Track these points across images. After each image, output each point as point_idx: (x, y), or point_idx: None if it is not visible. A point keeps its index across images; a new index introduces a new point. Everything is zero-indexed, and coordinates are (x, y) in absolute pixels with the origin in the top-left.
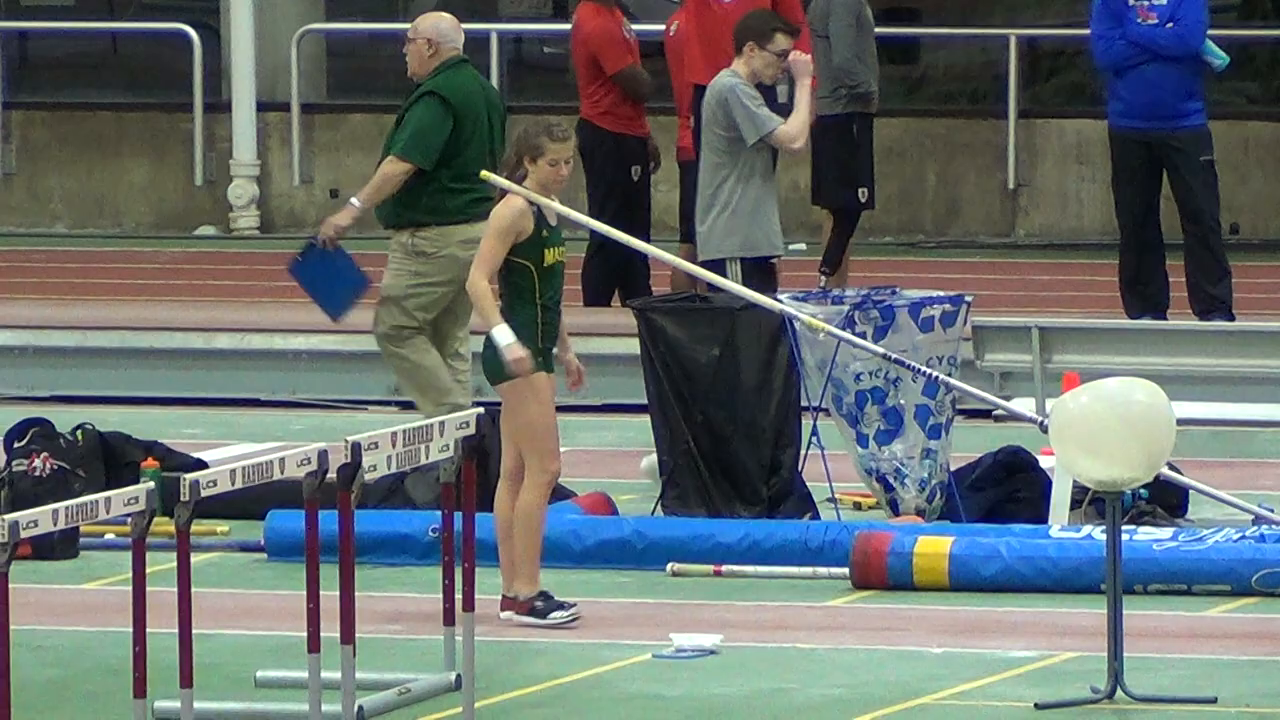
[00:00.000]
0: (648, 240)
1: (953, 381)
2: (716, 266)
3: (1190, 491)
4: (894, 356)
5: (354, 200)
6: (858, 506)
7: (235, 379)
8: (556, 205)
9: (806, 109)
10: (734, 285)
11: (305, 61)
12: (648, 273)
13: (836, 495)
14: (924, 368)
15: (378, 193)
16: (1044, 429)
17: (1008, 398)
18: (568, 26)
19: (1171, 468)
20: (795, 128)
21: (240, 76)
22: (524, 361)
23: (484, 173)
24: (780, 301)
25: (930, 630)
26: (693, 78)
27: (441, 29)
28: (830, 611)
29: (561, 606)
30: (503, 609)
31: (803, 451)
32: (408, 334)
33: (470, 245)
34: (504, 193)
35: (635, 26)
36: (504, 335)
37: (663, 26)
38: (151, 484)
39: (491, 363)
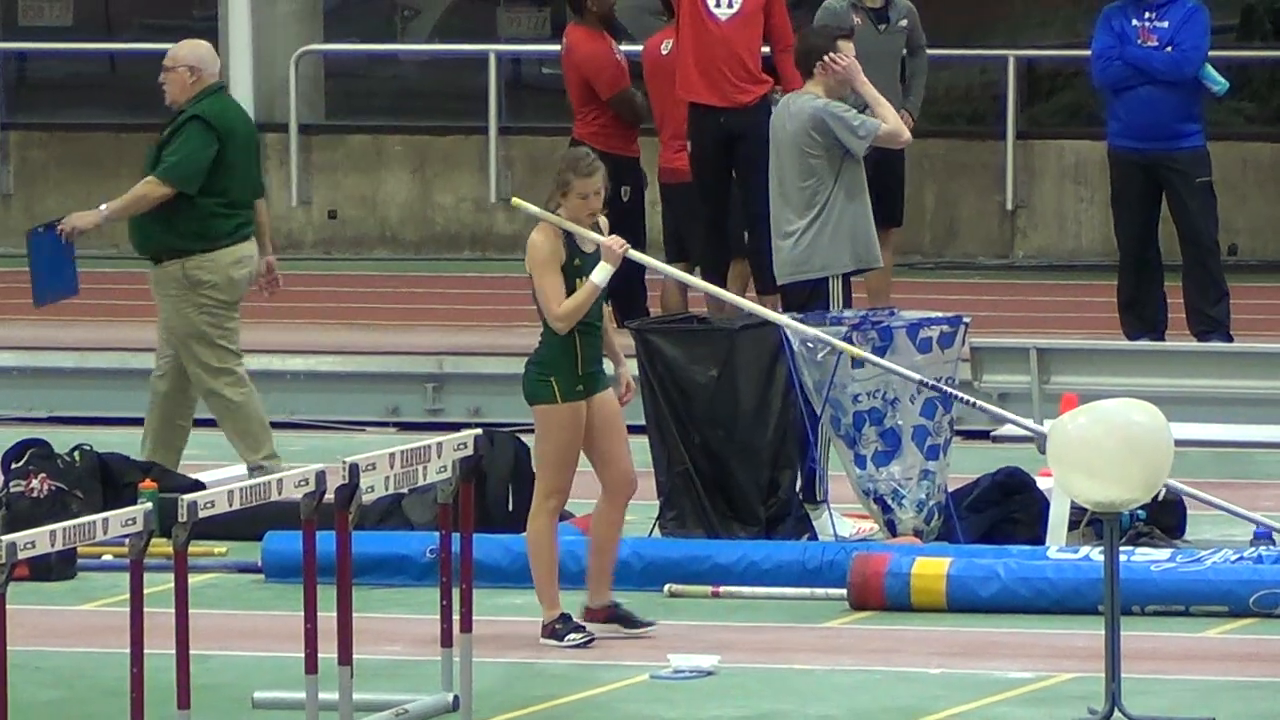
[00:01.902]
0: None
1: (989, 408)
2: (819, 285)
3: (1188, 513)
4: (930, 382)
5: (103, 207)
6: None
7: None
8: (585, 231)
9: (884, 101)
10: (783, 318)
11: (303, 82)
12: (645, 293)
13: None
14: (962, 394)
15: (126, 210)
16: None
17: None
18: None
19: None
20: (892, 122)
21: (238, 97)
22: (613, 245)
23: (515, 200)
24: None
25: (928, 651)
26: (689, 97)
27: (202, 56)
28: (828, 633)
29: (579, 629)
30: (583, 618)
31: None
32: (231, 366)
33: (241, 264)
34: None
35: (628, 48)
36: (601, 271)
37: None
38: (149, 505)
39: (528, 385)
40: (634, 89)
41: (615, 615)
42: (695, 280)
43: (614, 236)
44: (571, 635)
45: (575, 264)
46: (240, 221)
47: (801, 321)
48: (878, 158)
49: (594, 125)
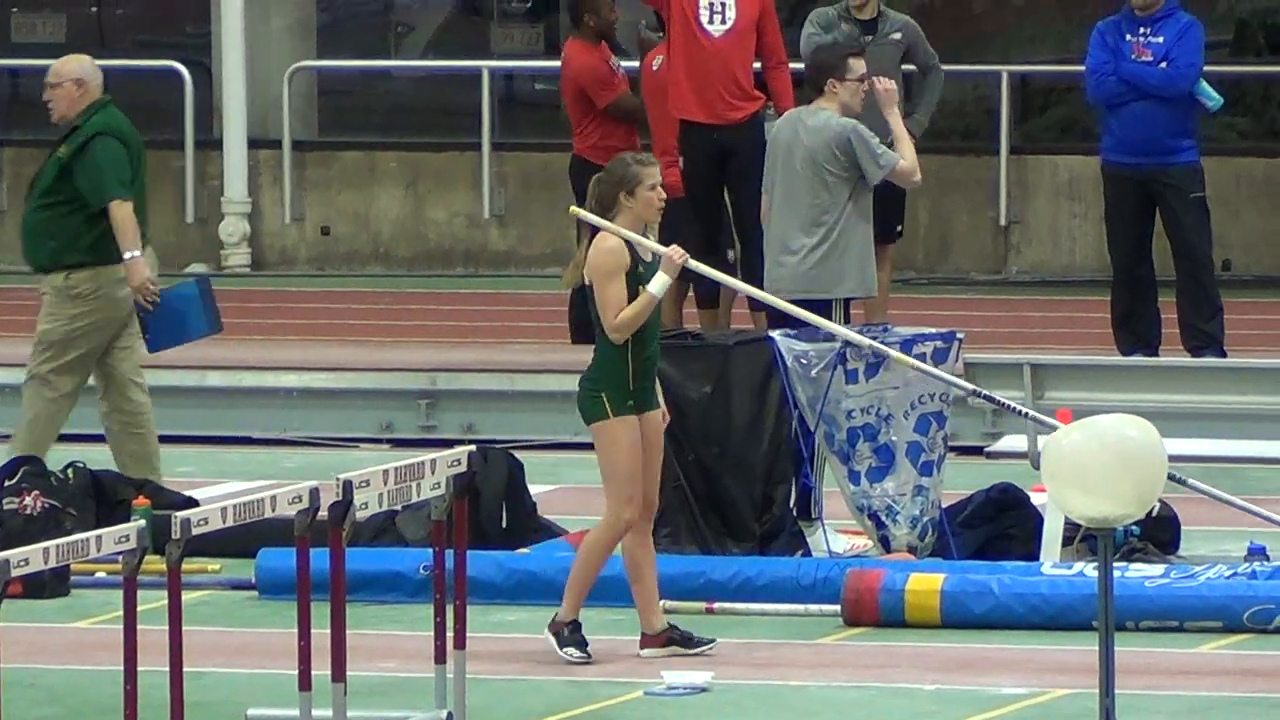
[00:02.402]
0: None
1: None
2: (824, 306)
3: (1182, 528)
4: (982, 392)
5: (130, 255)
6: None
7: (227, 417)
8: (647, 242)
9: (908, 137)
10: (835, 325)
11: (296, 99)
12: None
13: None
14: (1008, 401)
15: (133, 233)
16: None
17: (998, 435)
18: (559, 64)
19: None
20: (910, 160)
21: (232, 114)
22: (672, 255)
23: (574, 209)
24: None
25: (922, 667)
26: (682, 113)
27: (87, 70)
28: (822, 649)
29: (580, 645)
30: (641, 646)
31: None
32: (55, 380)
33: (123, 283)
34: (593, 235)
35: (628, 64)
36: (660, 281)
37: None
38: (143, 522)
39: (582, 403)
40: (630, 93)
41: (673, 639)
42: (757, 291)
43: (674, 247)
44: (570, 649)
45: (639, 270)
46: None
47: (796, 339)
48: None
49: (592, 139)
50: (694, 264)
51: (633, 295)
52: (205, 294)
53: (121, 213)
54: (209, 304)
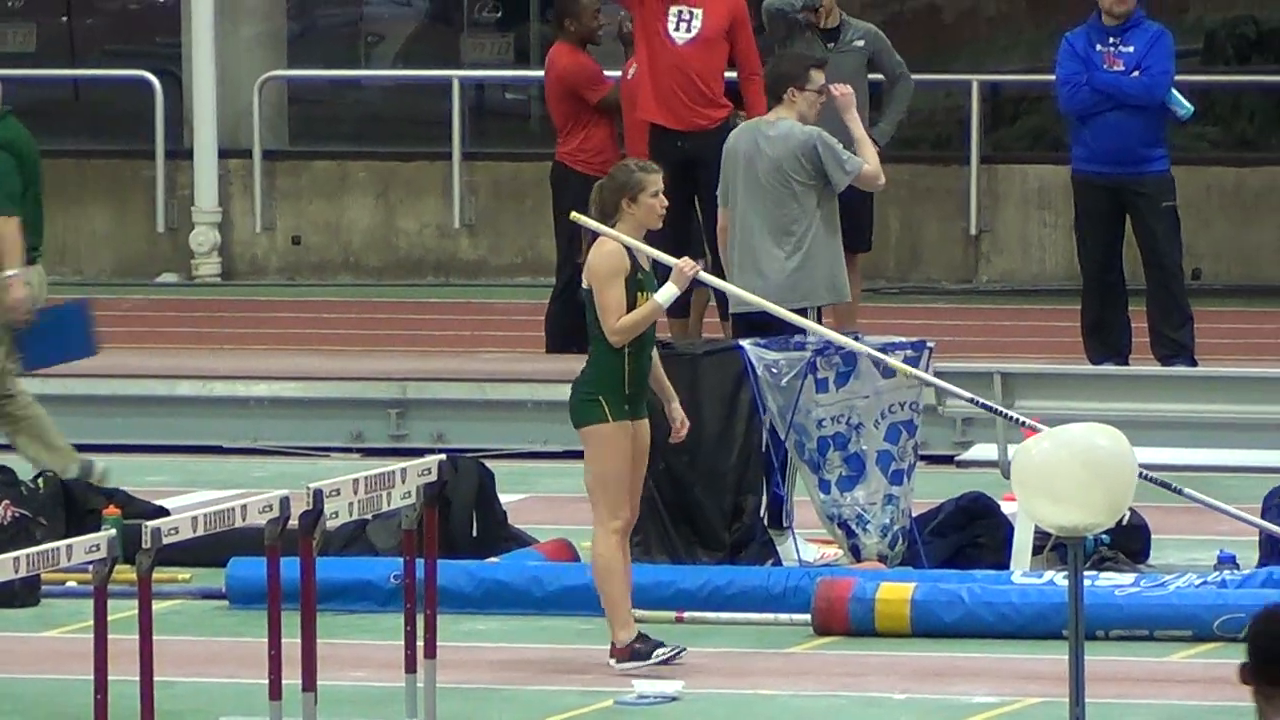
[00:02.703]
0: None
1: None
2: (800, 314)
3: (1152, 537)
4: (981, 401)
5: (10, 272)
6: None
7: (197, 426)
8: (647, 249)
9: (869, 141)
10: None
11: (267, 108)
12: None
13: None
14: (1017, 414)
15: (15, 254)
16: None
17: (969, 444)
18: (529, 73)
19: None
20: (873, 164)
21: (202, 123)
22: (684, 268)
23: (575, 215)
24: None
25: (893, 676)
26: (646, 117)
27: None
28: (792, 658)
29: (661, 644)
30: (610, 655)
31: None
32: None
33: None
34: (592, 241)
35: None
36: (667, 291)
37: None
38: (113, 531)
39: (576, 408)
40: (615, 87)
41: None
42: (766, 304)
43: (686, 259)
44: (658, 651)
45: (638, 276)
46: (31, 245)
47: (766, 348)
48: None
49: (574, 143)
50: (705, 276)
51: (631, 301)
52: (86, 317)
53: (5, 229)
54: (90, 327)
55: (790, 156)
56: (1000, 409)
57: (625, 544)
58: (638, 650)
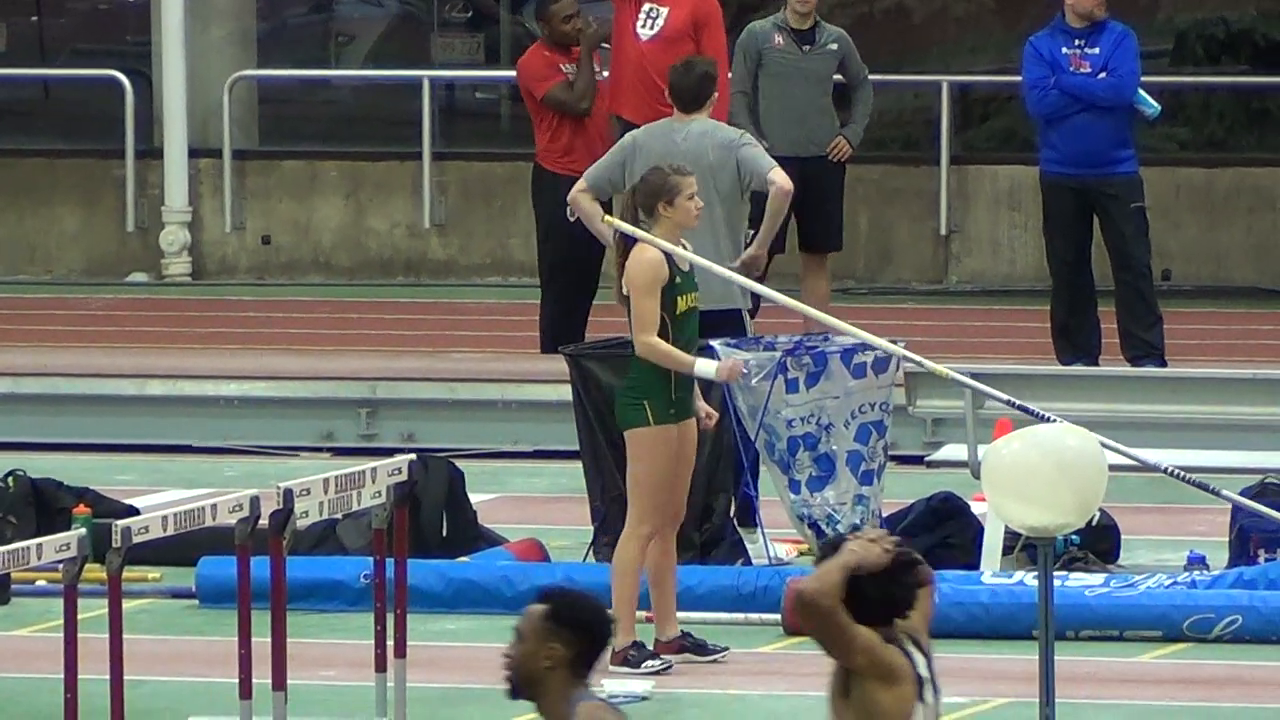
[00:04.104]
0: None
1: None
2: (738, 315)
3: (1122, 538)
4: (1017, 403)
5: None
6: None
7: (167, 425)
8: (688, 254)
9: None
10: (857, 330)
11: (237, 108)
12: (585, 319)
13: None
14: (1045, 413)
15: None
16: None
17: (939, 444)
18: (499, 73)
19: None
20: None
21: (172, 123)
22: (736, 367)
23: (607, 218)
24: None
25: None
26: (612, 109)
27: None
28: (762, 658)
29: (655, 656)
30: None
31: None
32: None
33: None
34: (628, 247)
35: None
36: (706, 366)
37: None
38: (83, 530)
39: (621, 409)
40: (566, 84)
41: (686, 646)
42: (794, 303)
43: (738, 361)
44: (649, 662)
45: (677, 281)
46: None
47: (736, 348)
48: (817, 183)
49: (542, 142)
50: (746, 281)
51: (671, 305)
52: None
53: None
54: None
55: (708, 155)
56: (1038, 410)
57: (667, 545)
58: (630, 657)
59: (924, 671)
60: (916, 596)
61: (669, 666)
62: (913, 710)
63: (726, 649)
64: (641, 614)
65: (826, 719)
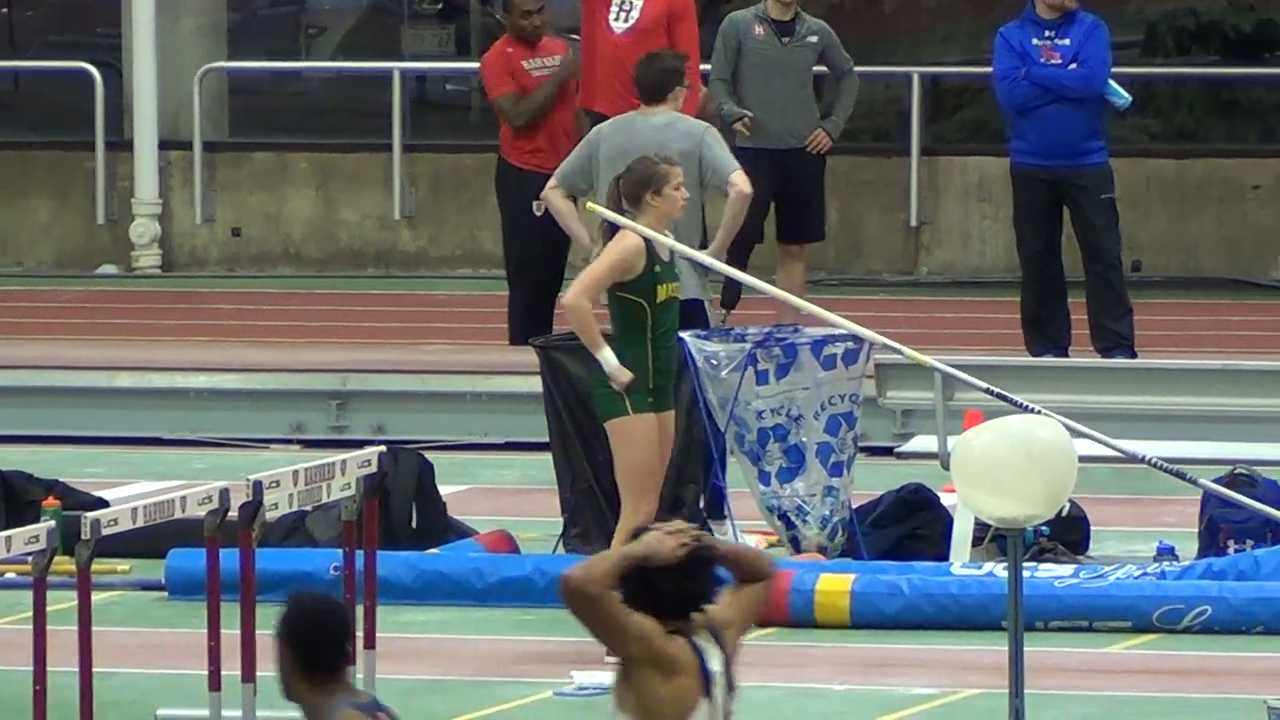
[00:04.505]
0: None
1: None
2: (701, 306)
3: (1091, 529)
4: (997, 392)
5: None
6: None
7: (137, 418)
8: (670, 241)
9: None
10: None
11: (207, 100)
12: (552, 311)
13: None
14: (1031, 405)
15: None
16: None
17: (908, 435)
18: (470, 65)
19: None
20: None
21: (142, 115)
22: (629, 382)
23: (591, 204)
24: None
25: (832, 667)
26: (585, 104)
27: None
28: None
29: None
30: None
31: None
32: None
33: None
34: (612, 230)
35: None
36: (610, 357)
37: None
38: (52, 522)
39: (599, 400)
40: (511, 94)
41: None
42: (773, 289)
43: (627, 375)
44: None
45: (656, 270)
46: None
47: (705, 340)
48: (796, 174)
49: (504, 138)
50: (717, 264)
51: (650, 292)
52: None
53: None
54: None
55: (672, 146)
56: (1019, 400)
57: None
58: None
59: (715, 666)
60: (713, 592)
61: None
62: (694, 704)
63: None
64: None
65: (611, 705)
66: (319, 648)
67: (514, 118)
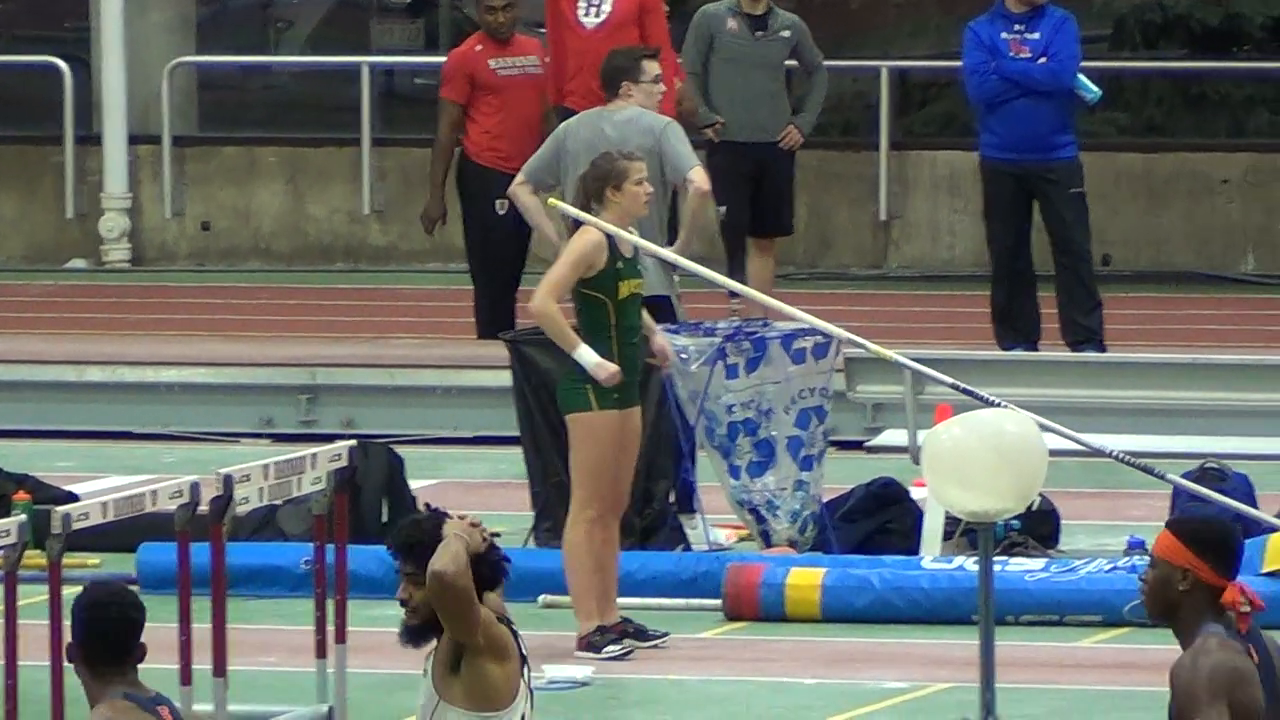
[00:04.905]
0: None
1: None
2: (668, 302)
3: (1062, 523)
4: (963, 387)
5: None
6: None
7: (107, 412)
8: (633, 237)
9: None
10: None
11: (176, 94)
12: (514, 304)
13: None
14: (996, 399)
15: None
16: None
17: (879, 430)
18: (439, 59)
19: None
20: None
21: (111, 109)
22: (614, 375)
23: (552, 200)
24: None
25: (803, 661)
26: (556, 101)
27: None
28: (702, 643)
29: (616, 641)
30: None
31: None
32: None
33: None
34: (576, 225)
35: None
36: (588, 355)
37: None
38: (23, 517)
39: (563, 394)
40: (453, 104)
41: (627, 632)
42: (745, 289)
43: (613, 371)
44: (610, 647)
45: (619, 266)
46: None
47: (675, 334)
48: (767, 168)
49: (473, 131)
50: (687, 263)
51: (613, 287)
52: None
53: None
54: None
55: (633, 141)
56: (984, 395)
57: (608, 533)
58: (593, 642)
59: (524, 650)
60: (500, 577)
61: (631, 651)
62: (519, 686)
63: (666, 634)
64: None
65: (423, 693)
66: (103, 640)
67: (440, 127)
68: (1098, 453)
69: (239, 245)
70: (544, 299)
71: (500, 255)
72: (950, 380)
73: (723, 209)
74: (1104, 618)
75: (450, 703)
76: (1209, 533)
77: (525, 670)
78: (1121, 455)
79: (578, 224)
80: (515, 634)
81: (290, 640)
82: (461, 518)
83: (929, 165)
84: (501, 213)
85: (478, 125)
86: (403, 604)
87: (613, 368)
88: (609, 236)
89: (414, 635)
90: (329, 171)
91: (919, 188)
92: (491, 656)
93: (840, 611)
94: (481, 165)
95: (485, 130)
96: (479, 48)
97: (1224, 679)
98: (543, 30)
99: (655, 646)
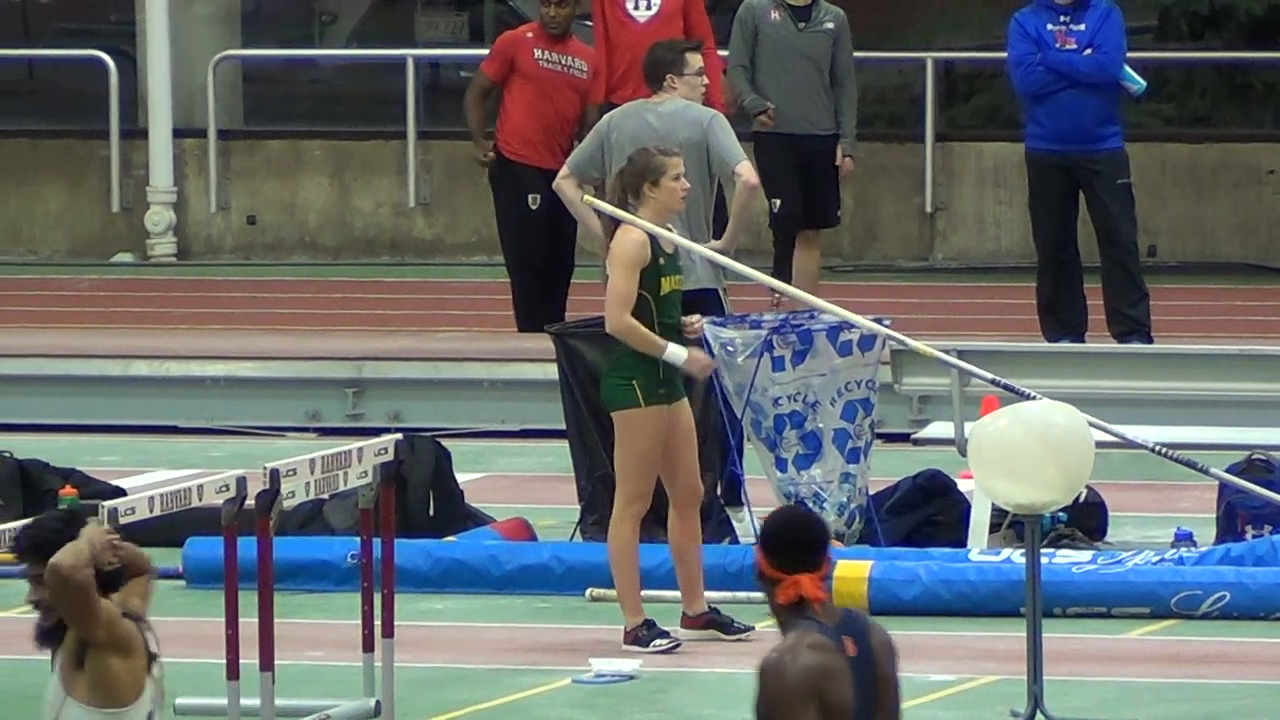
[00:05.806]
0: (571, 267)
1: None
2: (716, 295)
3: (1109, 515)
4: (1003, 382)
5: None
6: None
7: (153, 406)
8: (671, 235)
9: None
10: (844, 311)
11: (221, 88)
12: (565, 297)
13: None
14: (1029, 390)
15: None
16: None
17: (925, 422)
18: (483, 52)
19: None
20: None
21: (157, 103)
22: (709, 365)
23: (588, 198)
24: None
25: None
26: (617, 99)
27: None
28: (749, 637)
29: (664, 634)
30: (681, 626)
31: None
32: None
33: None
34: (615, 226)
35: None
36: (678, 353)
37: None
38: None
39: (609, 390)
40: (485, 76)
41: (712, 622)
42: (790, 289)
43: (707, 361)
44: (657, 640)
45: (660, 262)
46: None
47: (721, 327)
48: (814, 160)
49: (505, 126)
50: (724, 260)
51: (655, 285)
52: None
53: None
54: None
55: (679, 134)
56: (1026, 390)
57: (688, 525)
58: (640, 636)
59: (154, 648)
60: (124, 577)
61: (678, 645)
62: (144, 682)
63: (751, 628)
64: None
65: (50, 688)
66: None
67: (468, 92)
68: (1136, 445)
69: (284, 239)
70: (616, 315)
71: (534, 249)
72: (989, 375)
73: (776, 202)
74: (1151, 610)
75: (75, 699)
76: (767, 527)
77: (154, 668)
78: (1161, 449)
79: (616, 221)
80: (145, 631)
81: (337, 635)
82: (108, 532)
83: (974, 157)
84: (534, 207)
85: (510, 118)
86: (35, 606)
87: (705, 357)
88: (651, 234)
89: (47, 635)
90: (374, 164)
91: (964, 179)
92: (115, 651)
93: (887, 604)
94: (514, 160)
95: (517, 125)
96: (530, 35)
97: (812, 679)
98: (588, 24)
99: (740, 640)
